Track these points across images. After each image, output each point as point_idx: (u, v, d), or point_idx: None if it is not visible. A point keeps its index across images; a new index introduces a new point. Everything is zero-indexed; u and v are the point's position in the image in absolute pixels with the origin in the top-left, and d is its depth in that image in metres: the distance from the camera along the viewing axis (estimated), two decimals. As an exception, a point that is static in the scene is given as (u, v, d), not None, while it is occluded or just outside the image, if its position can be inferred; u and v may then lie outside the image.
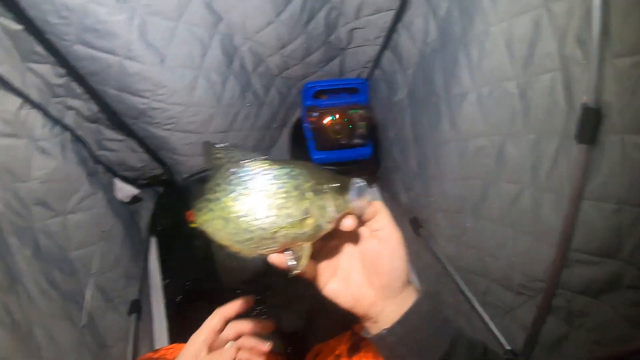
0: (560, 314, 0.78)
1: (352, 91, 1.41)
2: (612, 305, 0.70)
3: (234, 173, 0.50)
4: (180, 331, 1.36)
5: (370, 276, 0.54)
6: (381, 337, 0.52)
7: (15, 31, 0.86)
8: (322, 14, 1.10)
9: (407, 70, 1.18)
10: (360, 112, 1.41)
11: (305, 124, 1.42)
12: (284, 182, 0.49)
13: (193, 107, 1.06)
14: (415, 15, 1.07)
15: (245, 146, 1.32)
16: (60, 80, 0.98)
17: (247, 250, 0.50)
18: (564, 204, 0.71)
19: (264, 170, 0.49)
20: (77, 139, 1.11)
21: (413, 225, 1.28)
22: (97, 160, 1.21)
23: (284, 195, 0.48)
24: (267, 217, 0.48)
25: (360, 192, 0.49)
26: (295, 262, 0.49)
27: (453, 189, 1.04)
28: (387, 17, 1.15)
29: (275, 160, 0.50)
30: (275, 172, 0.49)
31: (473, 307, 1.01)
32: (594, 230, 0.68)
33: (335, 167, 1.48)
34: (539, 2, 0.71)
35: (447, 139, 1.01)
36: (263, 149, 1.43)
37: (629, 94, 0.61)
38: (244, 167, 0.50)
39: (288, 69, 1.24)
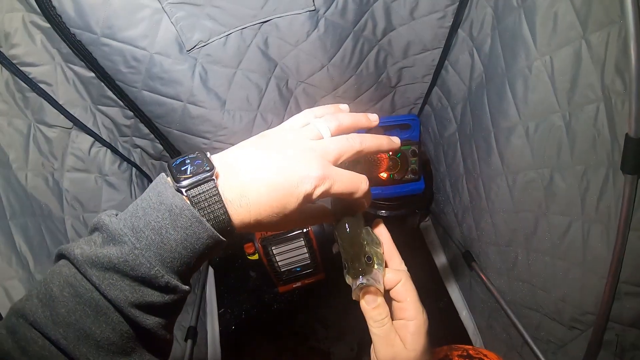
0: (612, 349, 0.75)
1: (404, 127, 1.44)
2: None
3: None
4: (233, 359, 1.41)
5: None
6: None
7: (88, 78, 0.97)
8: (371, 55, 1.16)
9: (456, 106, 1.20)
10: (412, 148, 1.43)
11: (359, 161, 1.46)
12: None
13: (252, 146, 1.13)
14: (461, 52, 1.10)
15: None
16: (128, 122, 1.09)
17: None
18: (613, 236, 0.69)
19: None
20: (143, 174, 1.22)
21: (466, 258, 1.27)
22: (161, 194, 1.32)
23: None
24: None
25: None
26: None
27: (504, 222, 1.03)
28: (434, 55, 1.19)
29: None
30: None
31: (526, 342, 0.98)
32: (642, 261, 0.66)
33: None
34: (577, 34, 0.72)
35: (497, 172, 1.01)
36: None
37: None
38: None
39: (341, 107, 1.29)
